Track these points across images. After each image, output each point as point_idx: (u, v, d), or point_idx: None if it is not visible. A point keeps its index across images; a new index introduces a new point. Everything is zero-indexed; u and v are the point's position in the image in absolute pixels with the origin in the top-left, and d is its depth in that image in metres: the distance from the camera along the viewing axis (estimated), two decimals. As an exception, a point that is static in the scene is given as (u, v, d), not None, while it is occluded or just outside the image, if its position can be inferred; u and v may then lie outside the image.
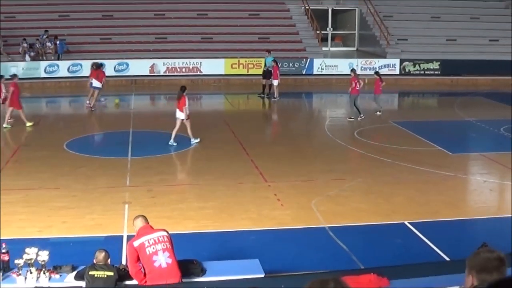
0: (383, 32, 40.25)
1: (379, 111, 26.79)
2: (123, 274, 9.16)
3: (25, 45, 35.71)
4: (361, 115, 25.38)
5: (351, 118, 25.51)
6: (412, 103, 35.10)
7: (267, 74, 31.34)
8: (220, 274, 9.48)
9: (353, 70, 26.79)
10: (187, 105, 20.87)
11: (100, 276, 8.83)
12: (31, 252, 9.17)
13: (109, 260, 9.08)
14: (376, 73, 28.20)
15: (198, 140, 21.23)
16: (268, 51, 32.64)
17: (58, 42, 36.06)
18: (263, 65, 32.66)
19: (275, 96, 30.72)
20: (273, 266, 10.66)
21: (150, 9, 40.47)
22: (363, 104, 26.48)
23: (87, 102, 27.55)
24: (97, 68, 28.31)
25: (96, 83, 27.48)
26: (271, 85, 31.08)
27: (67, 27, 38.43)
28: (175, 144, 20.88)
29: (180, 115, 20.94)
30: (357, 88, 25.45)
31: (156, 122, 26.17)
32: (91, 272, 8.85)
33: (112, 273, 8.89)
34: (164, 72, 35.73)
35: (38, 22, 37.95)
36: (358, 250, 12.24)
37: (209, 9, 41.02)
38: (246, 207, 15.01)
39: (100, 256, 8.98)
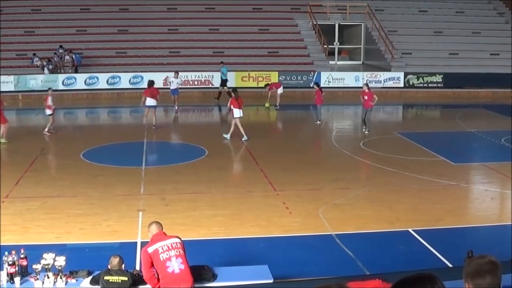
0: (388, 46, 40.65)
1: (319, 120, 27.87)
2: (137, 279, 9.24)
3: (36, 59, 36.34)
4: (367, 129, 25.44)
5: (365, 130, 25.43)
6: (416, 115, 35.29)
7: (223, 82, 34.12)
8: (230, 279, 9.60)
9: (367, 85, 26.65)
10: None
11: (115, 281, 8.91)
12: (48, 258, 9.25)
13: (123, 266, 9.16)
14: (316, 84, 28.84)
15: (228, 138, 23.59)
16: (222, 62, 34.92)
17: (73, 56, 36.68)
18: (220, 76, 34.74)
19: (277, 104, 31.83)
20: (281, 272, 10.79)
21: (164, 24, 41.19)
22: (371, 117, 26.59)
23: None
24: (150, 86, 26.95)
25: (152, 102, 26.14)
26: (221, 92, 33.83)
27: (84, 41, 39.23)
28: (247, 138, 23.38)
29: (239, 113, 23.43)
30: (371, 103, 25.39)
31: (169, 133, 26.61)
32: (106, 277, 8.95)
33: (126, 278, 8.98)
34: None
35: (57, 37, 38.73)
36: (363, 257, 12.39)
37: (221, 24, 41.63)
38: (256, 214, 15.14)
39: (114, 261, 9.08)
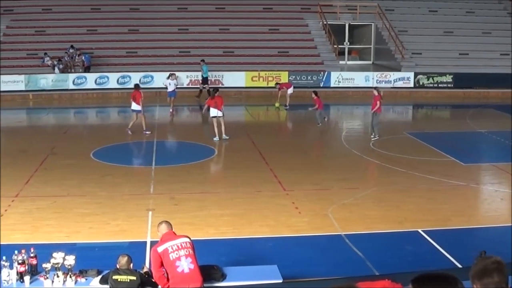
0: (398, 46, 40.55)
1: (326, 118, 27.93)
2: (146, 280, 9.27)
3: (47, 58, 36.44)
4: (376, 135, 24.33)
5: (375, 136, 24.23)
6: (425, 115, 35.19)
7: (204, 80, 34.47)
8: (239, 279, 9.64)
9: (376, 88, 25.59)
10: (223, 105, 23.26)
11: (123, 280, 8.96)
12: (58, 257, 9.31)
13: (131, 265, 9.21)
14: (315, 92, 27.97)
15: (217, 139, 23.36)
16: (203, 60, 34.90)
17: (83, 57, 36.76)
18: (203, 73, 34.90)
19: (286, 104, 31.86)
20: (291, 272, 10.81)
21: (174, 24, 41.25)
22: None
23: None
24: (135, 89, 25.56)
25: (134, 106, 24.88)
26: (201, 91, 34.23)
27: (95, 41, 39.34)
28: (218, 139, 23.20)
29: (219, 113, 23.22)
30: (379, 106, 24.15)
31: (179, 132, 26.64)
32: (114, 277, 9.00)
33: (135, 278, 9.01)
34: (187, 85, 36.26)
35: (67, 36, 38.81)
36: (372, 257, 12.41)
37: (231, 24, 41.66)
38: (264, 214, 15.16)
39: (123, 260, 9.15)
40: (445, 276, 4.19)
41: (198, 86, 35.51)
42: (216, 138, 23.46)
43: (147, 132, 24.72)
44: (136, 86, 25.94)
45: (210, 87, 33.38)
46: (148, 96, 34.24)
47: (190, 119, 31.02)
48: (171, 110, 30.04)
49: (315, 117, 27.38)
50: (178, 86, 31.87)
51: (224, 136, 23.59)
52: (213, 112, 23.48)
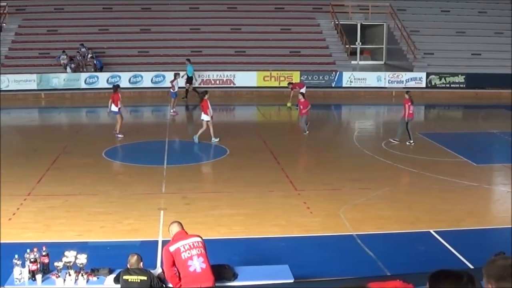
0: (410, 46, 40.47)
1: (306, 131, 25.11)
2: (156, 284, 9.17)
3: (64, 56, 36.55)
4: (411, 141, 23.29)
5: (395, 140, 23.37)
6: (438, 115, 35.09)
7: (188, 80, 34.37)
8: (251, 278, 9.63)
9: (408, 93, 24.00)
10: (210, 108, 22.80)
11: (134, 280, 8.97)
12: (70, 255, 9.32)
13: (141, 264, 9.22)
14: (302, 94, 26.22)
15: (218, 139, 23.03)
16: (188, 60, 34.81)
17: (95, 61, 36.84)
18: (188, 73, 34.62)
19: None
20: (302, 272, 10.76)
21: (186, 24, 41.30)
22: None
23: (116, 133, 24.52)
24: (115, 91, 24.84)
25: (113, 108, 24.51)
26: (188, 90, 34.17)
27: (107, 40, 39.50)
28: (197, 141, 22.82)
29: (205, 117, 22.79)
30: (410, 112, 23.20)
31: (190, 132, 26.61)
32: (125, 277, 9.03)
33: (145, 278, 9.00)
34: (199, 84, 36.14)
35: (79, 36, 38.90)
36: (384, 257, 12.37)
37: (243, 24, 41.67)
38: (276, 214, 15.12)
39: (132, 259, 9.19)
40: (462, 273, 4.21)
41: (194, 86, 35.33)
42: (213, 139, 23.12)
43: (120, 136, 24.11)
44: (116, 88, 25.28)
45: (188, 88, 33.70)
46: (160, 95, 34.45)
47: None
48: (174, 109, 29.96)
49: (302, 125, 25.63)
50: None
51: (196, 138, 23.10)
52: (202, 115, 23.15)
